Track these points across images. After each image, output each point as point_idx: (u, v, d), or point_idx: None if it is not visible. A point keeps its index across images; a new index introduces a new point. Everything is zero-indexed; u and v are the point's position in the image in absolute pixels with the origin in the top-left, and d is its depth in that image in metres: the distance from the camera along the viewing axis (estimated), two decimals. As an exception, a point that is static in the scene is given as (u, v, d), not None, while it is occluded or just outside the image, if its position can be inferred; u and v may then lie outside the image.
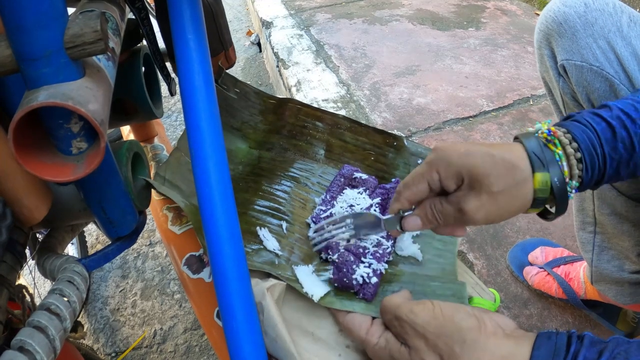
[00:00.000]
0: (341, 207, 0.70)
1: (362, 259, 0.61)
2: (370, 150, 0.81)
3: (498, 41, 2.19)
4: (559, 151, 0.52)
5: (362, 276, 0.59)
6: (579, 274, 1.05)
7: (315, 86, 1.89)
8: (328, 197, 0.73)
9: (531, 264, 1.14)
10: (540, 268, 1.11)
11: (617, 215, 0.82)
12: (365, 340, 0.54)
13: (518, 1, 2.65)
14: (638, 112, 0.52)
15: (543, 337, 0.45)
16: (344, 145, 0.82)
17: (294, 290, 0.60)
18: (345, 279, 0.59)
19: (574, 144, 0.52)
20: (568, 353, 0.42)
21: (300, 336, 0.58)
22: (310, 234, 0.69)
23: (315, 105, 1.74)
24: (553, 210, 0.56)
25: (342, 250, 0.62)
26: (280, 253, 0.65)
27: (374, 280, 0.60)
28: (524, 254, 1.17)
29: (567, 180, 0.52)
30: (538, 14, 2.38)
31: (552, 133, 0.53)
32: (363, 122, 1.65)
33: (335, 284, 0.60)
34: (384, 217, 0.60)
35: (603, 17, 0.69)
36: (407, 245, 0.69)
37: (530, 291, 1.13)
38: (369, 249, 0.63)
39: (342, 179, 0.74)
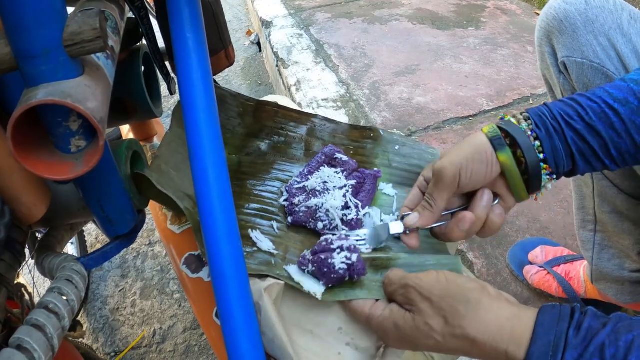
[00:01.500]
0: (315, 182, 0.71)
1: (332, 251, 0.62)
2: (348, 145, 0.83)
3: (498, 40, 2.19)
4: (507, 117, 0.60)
5: (343, 262, 0.60)
6: (579, 273, 1.05)
7: (315, 85, 1.89)
8: (306, 171, 0.74)
9: (531, 263, 1.14)
10: (540, 267, 1.11)
11: (618, 214, 0.82)
12: (369, 315, 0.55)
13: (518, 0, 2.65)
14: (594, 94, 0.57)
15: (547, 307, 0.46)
16: (322, 143, 0.83)
17: (292, 289, 0.60)
18: (333, 276, 0.59)
19: (524, 114, 0.59)
20: (572, 319, 0.44)
21: (299, 335, 0.58)
22: (281, 201, 0.72)
23: (315, 104, 1.75)
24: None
25: (310, 257, 0.62)
26: (275, 252, 0.65)
27: (355, 256, 0.60)
28: (524, 253, 1.17)
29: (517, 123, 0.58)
30: (538, 14, 2.38)
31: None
32: (363, 121, 1.66)
33: (330, 285, 0.60)
34: (390, 222, 0.64)
35: (604, 15, 0.69)
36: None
37: (530, 290, 1.13)
38: (330, 238, 0.63)
39: (323, 157, 0.76)
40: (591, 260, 0.93)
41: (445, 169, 0.57)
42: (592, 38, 0.69)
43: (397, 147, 0.82)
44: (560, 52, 0.74)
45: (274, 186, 0.75)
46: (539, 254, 1.14)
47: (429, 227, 0.62)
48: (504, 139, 0.57)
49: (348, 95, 1.83)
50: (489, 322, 0.46)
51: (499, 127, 0.58)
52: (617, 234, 0.85)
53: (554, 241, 1.21)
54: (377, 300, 0.58)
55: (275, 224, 0.69)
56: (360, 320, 0.58)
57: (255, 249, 0.65)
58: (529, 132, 0.56)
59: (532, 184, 0.58)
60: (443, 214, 0.62)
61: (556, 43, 0.74)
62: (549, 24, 0.75)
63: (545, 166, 0.57)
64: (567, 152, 0.57)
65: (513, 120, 0.58)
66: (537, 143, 0.56)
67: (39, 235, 0.70)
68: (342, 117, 1.69)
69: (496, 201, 0.60)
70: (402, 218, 0.63)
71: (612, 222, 0.84)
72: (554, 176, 0.58)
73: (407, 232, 0.62)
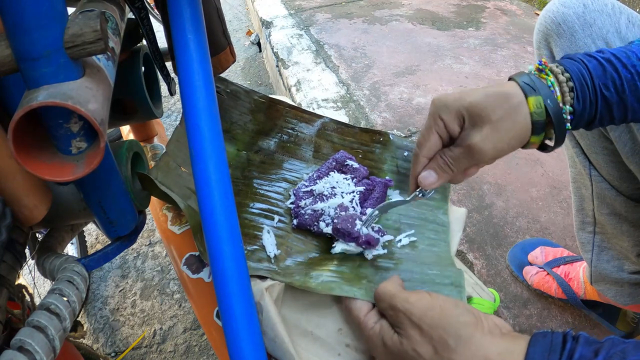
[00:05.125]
0: (323, 186, 0.71)
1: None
2: (357, 148, 0.82)
3: (498, 41, 2.19)
4: (551, 79, 0.55)
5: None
6: (579, 274, 1.05)
7: (315, 86, 1.89)
8: (315, 175, 0.74)
9: (531, 264, 1.14)
10: (540, 268, 1.11)
11: (617, 216, 0.82)
12: (362, 323, 0.54)
13: (518, 1, 2.65)
14: (630, 59, 0.55)
15: (538, 335, 0.45)
16: (332, 145, 0.83)
17: (293, 290, 0.60)
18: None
19: (566, 74, 0.55)
20: (564, 350, 0.42)
21: (299, 336, 0.58)
22: (288, 203, 0.72)
23: (315, 105, 1.75)
24: (551, 143, 0.59)
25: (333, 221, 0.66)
26: (278, 253, 0.65)
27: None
28: (524, 253, 1.17)
29: (561, 105, 0.55)
30: (538, 14, 2.38)
31: (542, 63, 0.56)
32: (363, 122, 1.66)
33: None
34: (408, 199, 0.64)
35: (602, 18, 0.69)
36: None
37: (530, 291, 1.13)
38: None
39: (334, 162, 0.75)
40: (590, 262, 0.93)
41: (487, 154, 0.56)
42: (590, 42, 0.69)
43: (406, 154, 0.81)
44: (558, 55, 0.74)
45: (280, 187, 0.75)
46: (538, 255, 1.14)
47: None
48: (545, 123, 0.56)
49: (348, 95, 1.83)
50: (478, 356, 0.45)
51: (546, 109, 0.55)
52: (616, 235, 0.85)
53: (554, 242, 1.21)
54: (374, 305, 0.57)
55: (279, 225, 0.70)
56: (353, 323, 0.57)
57: (256, 247, 0.65)
58: (568, 114, 0.55)
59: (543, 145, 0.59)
60: None
61: (554, 46, 0.74)
62: (547, 27, 0.75)
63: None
64: (589, 120, 0.57)
65: (557, 88, 0.55)
66: (571, 115, 0.56)
67: (39, 236, 0.70)
68: (342, 117, 1.70)
69: None
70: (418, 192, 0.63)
71: (611, 223, 0.84)
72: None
73: (421, 195, 0.62)
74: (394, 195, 0.76)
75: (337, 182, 0.72)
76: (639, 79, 0.54)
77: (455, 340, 0.46)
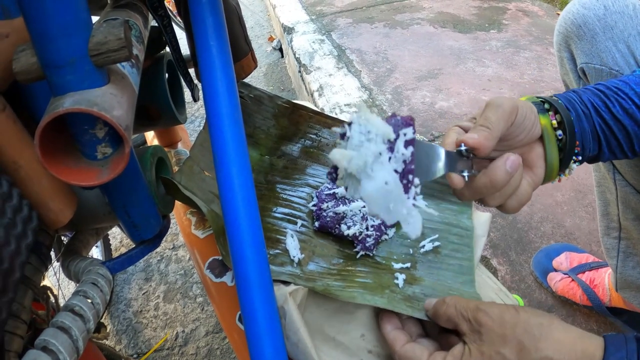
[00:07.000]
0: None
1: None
2: None
3: (520, 43, 2.17)
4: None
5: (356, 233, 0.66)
6: (604, 280, 1.03)
7: (337, 91, 1.89)
8: None
9: (555, 270, 1.13)
10: (565, 274, 1.09)
11: (642, 221, 0.80)
12: None
13: (540, 2, 2.62)
14: (619, 88, 0.57)
15: (610, 334, 0.46)
16: None
17: (316, 295, 0.60)
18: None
19: (554, 98, 0.59)
20: (639, 342, 0.44)
21: (321, 341, 0.58)
22: (310, 205, 0.73)
23: (337, 110, 1.75)
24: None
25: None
26: (300, 257, 0.65)
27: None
28: (549, 259, 1.15)
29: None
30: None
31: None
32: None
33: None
34: (448, 150, 0.54)
35: (623, 20, 0.69)
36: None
37: (554, 298, 1.12)
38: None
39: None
40: (615, 268, 0.92)
41: (503, 101, 0.53)
42: (611, 44, 0.68)
43: None
44: (579, 58, 0.73)
45: (303, 191, 0.75)
46: (563, 261, 1.12)
47: (483, 156, 0.53)
48: (542, 106, 0.58)
49: (370, 100, 1.83)
50: (563, 340, 0.45)
51: (537, 97, 0.59)
52: (642, 241, 0.83)
53: (579, 247, 1.19)
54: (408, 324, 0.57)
55: (302, 229, 0.70)
56: None
57: (278, 251, 0.65)
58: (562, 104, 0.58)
59: (563, 160, 0.57)
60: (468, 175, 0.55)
61: (575, 49, 0.73)
62: (567, 29, 0.74)
63: (576, 142, 0.57)
64: (594, 136, 0.57)
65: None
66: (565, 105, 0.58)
67: (64, 239, 0.71)
68: (363, 121, 1.69)
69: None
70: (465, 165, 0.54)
71: (636, 229, 0.82)
72: (580, 157, 0.58)
73: (463, 174, 0.53)
74: (419, 201, 0.75)
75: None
76: (633, 103, 0.56)
77: (538, 328, 0.46)
